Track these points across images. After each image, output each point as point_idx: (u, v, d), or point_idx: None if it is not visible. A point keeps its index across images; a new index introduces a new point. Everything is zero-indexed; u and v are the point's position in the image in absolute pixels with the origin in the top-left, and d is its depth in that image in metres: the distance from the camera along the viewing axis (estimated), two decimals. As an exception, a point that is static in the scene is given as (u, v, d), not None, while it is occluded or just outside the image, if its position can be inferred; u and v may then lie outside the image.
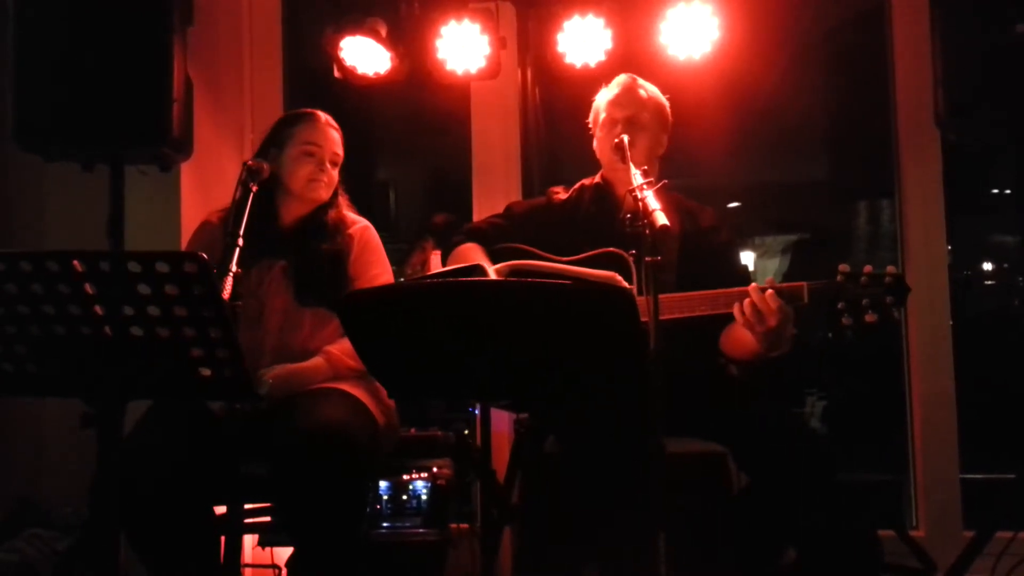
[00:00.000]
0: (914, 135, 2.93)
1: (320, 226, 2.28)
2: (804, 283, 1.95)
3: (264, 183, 2.17)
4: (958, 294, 2.96)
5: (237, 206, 2.01)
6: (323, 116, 2.33)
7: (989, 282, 3.75)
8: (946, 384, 2.87)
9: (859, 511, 2.10)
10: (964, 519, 2.83)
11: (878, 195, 3.42)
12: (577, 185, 2.42)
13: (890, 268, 1.92)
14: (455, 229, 2.43)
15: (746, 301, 1.90)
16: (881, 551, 2.10)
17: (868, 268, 1.92)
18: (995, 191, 3.85)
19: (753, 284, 1.94)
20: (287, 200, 2.29)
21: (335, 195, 2.35)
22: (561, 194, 2.41)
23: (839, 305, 1.92)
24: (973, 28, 2.24)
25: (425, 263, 3.02)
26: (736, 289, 1.99)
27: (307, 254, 2.23)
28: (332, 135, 2.31)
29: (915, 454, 2.93)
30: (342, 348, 2.15)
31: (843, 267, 1.93)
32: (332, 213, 2.31)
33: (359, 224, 2.34)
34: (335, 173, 2.32)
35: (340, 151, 2.33)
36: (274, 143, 2.29)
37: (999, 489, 2.50)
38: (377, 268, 2.30)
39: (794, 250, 3.75)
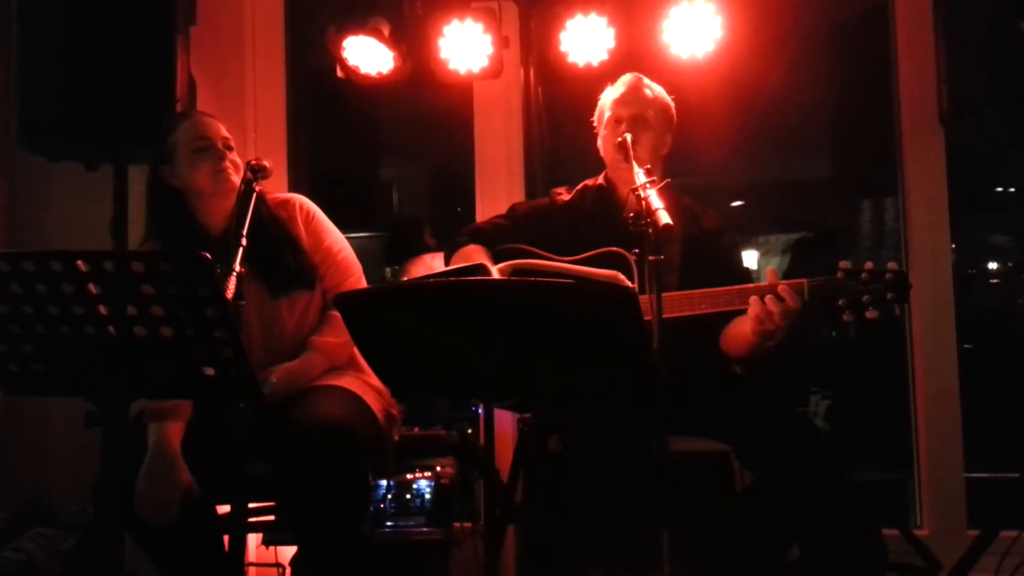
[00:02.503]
0: (918, 133, 2.92)
1: (253, 218, 2.12)
2: (805, 280, 1.95)
3: (175, 202, 2.13)
4: (962, 292, 2.96)
5: (241, 206, 2.00)
6: (193, 111, 2.24)
7: (993, 280, 3.74)
8: (950, 382, 2.86)
9: (863, 510, 2.09)
10: (968, 518, 2.82)
11: (882, 193, 3.42)
12: (580, 186, 2.41)
13: (891, 264, 1.91)
14: (414, 227, 2.41)
15: (767, 297, 1.90)
16: (885, 550, 2.09)
17: (869, 264, 1.91)
18: (999, 189, 3.84)
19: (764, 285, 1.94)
20: (206, 206, 2.15)
21: (245, 182, 2.16)
22: (564, 195, 2.41)
23: (840, 302, 1.91)
24: (976, 26, 2.24)
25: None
26: (736, 287, 1.99)
27: (259, 250, 2.11)
28: (213, 123, 2.18)
29: (919, 453, 2.93)
30: (324, 332, 2.15)
31: (844, 264, 1.93)
32: (255, 200, 2.12)
33: (292, 199, 2.28)
34: (236, 157, 2.16)
35: (228, 135, 2.19)
36: (164, 160, 2.16)
37: (1003, 488, 2.50)
38: (328, 238, 2.25)
39: (797, 249, 3.74)
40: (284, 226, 2.21)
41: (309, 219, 2.26)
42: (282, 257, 2.17)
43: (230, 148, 2.17)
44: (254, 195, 2.01)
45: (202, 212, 2.17)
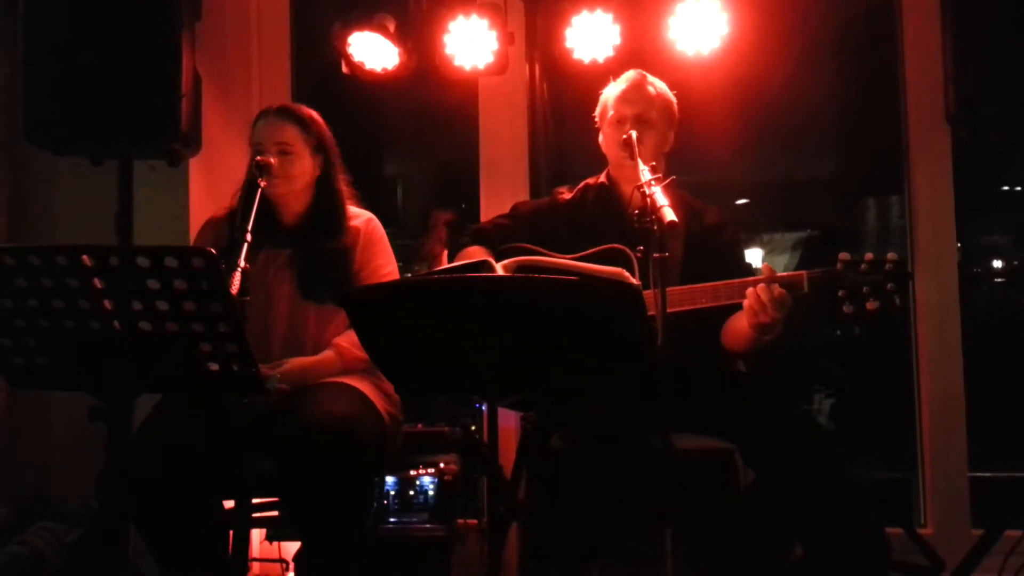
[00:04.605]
0: (924, 131, 2.91)
1: (322, 222, 2.25)
2: (804, 272, 1.95)
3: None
4: (967, 291, 2.95)
5: (245, 201, 2.01)
6: (273, 109, 2.27)
7: (999, 279, 3.73)
8: (955, 381, 2.86)
9: (867, 508, 2.09)
10: (972, 517, 2.81)
11: (887, 192, 3.41)
12: (581, 185, 2.41)
13: (890, 255, 1.90)
14: (459, 227, 2.43)
15: (759, 287, 1.90)
16: (888, 549, 2.09)
17: (869, 255, 1.91)
18: (1005, 188, 3.83)
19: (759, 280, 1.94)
20: (274, 202, 2.25)
21: (330, 188, 2.28)
22: (565, 194, 2.41)
23: (840, 293, 1.91)
24: (983, 24, 2.23)
25: (440, 253, 3.01)
26: (736, 280, 1.99)
27: (310, 252, 2.21)
28: (277, 125, 2.22)
29: (923, 451, 2.92)
30: (351, 340, 2.15)
31: (843, 255, 1.93)
32: (331, 207, 2.26)
33: (362, 217, 2.33)
34: (295, 163, 2.20)
35: (288, 138, 2.21)
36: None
37: (1008, 487, 2.50)
38: (381, 258, 2.29)
39: (803, 247, 3.74)
40: (342, 238, 2.25)
41: (369, 237, 2.29)
42: (323, 266, 2.20)
43: (285, 153, 2.20)
44: (259, 191, 2.03)
45: (277, 204, 2.25)
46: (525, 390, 1.76)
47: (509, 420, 2.80)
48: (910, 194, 2.97)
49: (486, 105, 3.13)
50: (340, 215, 2.28)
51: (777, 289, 1.89)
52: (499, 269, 2.10)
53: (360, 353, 2.13)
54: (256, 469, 2.03)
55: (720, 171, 3.47)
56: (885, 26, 3.04)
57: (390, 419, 2.16)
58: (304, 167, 2.24)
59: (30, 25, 2.34)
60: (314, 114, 2.32)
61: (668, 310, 1.74)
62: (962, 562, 2.27)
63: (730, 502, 2.11)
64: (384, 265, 2.29)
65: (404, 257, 3.32)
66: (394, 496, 2.53)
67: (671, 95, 2.35)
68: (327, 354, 2.16)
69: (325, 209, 2.28)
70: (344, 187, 2.33)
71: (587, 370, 1.61)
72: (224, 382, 1.58)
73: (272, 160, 2.14)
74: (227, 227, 2.23)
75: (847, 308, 1.91)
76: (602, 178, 2.39)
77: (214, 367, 1.54)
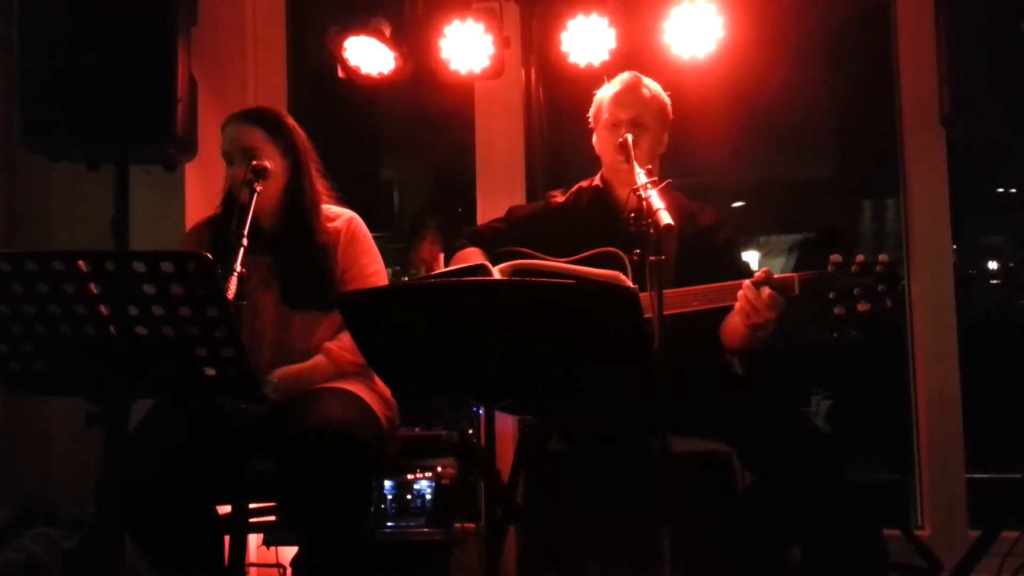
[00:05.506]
0: (919, 133, 2.92)
1: (297, 225, 2.20)
2: (795, 274, 1.95)
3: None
4: (964, 292, 2.96)
5: (241, 206, 2.01)
6: (238, 114, 2.23)
7: (995, 281, 3.74)
8: (951, 383, 2.86)
9: (864, 510, 2.09)
10: (970, 519, 2.82)
11: (883, 194, 3.42)
12: (574, 188, 2.42)
13: (882, 256, 1.90)
14: (449, 231, 2.44)
15: (747, 289, 1.91)
16: (886, 550, 2.09)
17: (860, 257, 1.91)
18: (1001, 189, 3.84)
19: (747, 282, 1.94)
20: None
21: (300, 190, 2.21)
22: (558, 197, 2.41)
23: (830, 295, 1.91)
24: (978, 25, 2.24)
25: (435, 257, 3.01)
26: (728, 283, 1.99)
27: (291, 260, 2.18)
28: (243, 130, 2.18)
29: (921, 453, 2.92)
30: (342, 344, 2.15)
31: (834, 257, 1.93)
32: (304, 210, 2.20)
33: (344, 216, 2.29)
34: (261, 165, 2.11)
35: (254, 142, 2.16)
36: None
37: (1005, 488, 2.50)
38: (366, 258, 2.26)
39: (799, 249, 3.74)
40: (321, 243, 2.21)
41: (351, 236, 2.25)
42: (307, 275, 2.17)
43: (251, 158, 2.13)
44: (255, 196, 2.03)
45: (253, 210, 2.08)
46: (523, 393, 1.76)
47: (506, 424, 2.80)
48: (906, 196, 2.98)
49: (482, 109, 3.14)
50: (313, 217, 2.22)
51: (767, 292, 1.90)
52: (496, 272, 2.10)
53: (352, 357, 2.13)
54: (254, 472, 2.02)
55: (716, 174, 3.48)
56: (880, 28, 3.05)
57: (387, 422, 2.16)
58: (274, 170, 2.17)
59: (26, 29, 2.34)
60: (282, 115, 2.27)
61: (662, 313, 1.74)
62: (960, 563, 2.27)
63: (728, 504, 2.11)
64: (369, 265, 2.26)
65: (401, 261, 3.33)
66: (391, 500, 2.53)
67: (665, 96, 2.35)
68: (318, 359, 2.15)
69: (298, 211, 2.21)
70: (320, 187, 2.28)
71: (584, 373, 1.61)
72: (221, 387, 1.58)
73: (268, 164, 2.13)
74: (208, 234, 2.22)
75: (838, 310, 1.91)
76: (596, 181, 2.39)
77: (211, 372, 1.54)
